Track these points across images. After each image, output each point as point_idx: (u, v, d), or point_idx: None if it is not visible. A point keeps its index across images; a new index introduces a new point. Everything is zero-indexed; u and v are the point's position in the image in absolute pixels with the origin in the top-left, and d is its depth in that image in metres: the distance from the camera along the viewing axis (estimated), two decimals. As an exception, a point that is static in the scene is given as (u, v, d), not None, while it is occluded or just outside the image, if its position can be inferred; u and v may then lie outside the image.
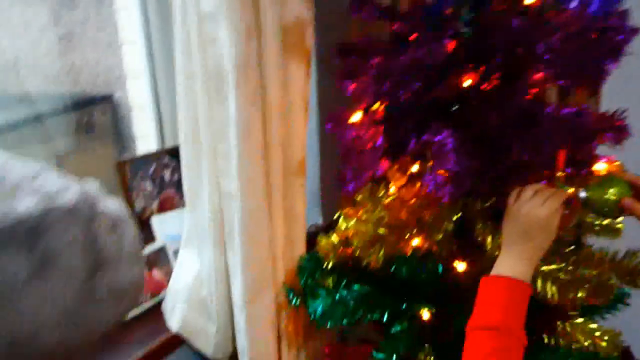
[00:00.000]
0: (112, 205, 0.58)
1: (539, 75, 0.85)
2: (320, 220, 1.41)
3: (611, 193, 0.79)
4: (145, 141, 1.26)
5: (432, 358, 1.03)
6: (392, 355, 0.98)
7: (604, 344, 0.88)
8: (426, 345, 1.04)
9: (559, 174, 0.86)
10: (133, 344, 1.02)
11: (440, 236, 0.94)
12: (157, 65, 1.20)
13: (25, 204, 0.49)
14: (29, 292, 0.47)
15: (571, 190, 0.83)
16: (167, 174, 1.14)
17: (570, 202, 0.82)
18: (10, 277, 0.46)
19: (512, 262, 0.79)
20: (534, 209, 0.78)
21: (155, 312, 1.11)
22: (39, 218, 0.49)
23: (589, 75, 0.78)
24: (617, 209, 0.79)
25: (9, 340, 0.45)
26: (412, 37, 0.88)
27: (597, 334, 0.89)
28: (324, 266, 1.02)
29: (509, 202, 0.83)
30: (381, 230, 0.94)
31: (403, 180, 1.02)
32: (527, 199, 0.80)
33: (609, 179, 0.81)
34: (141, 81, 1.18)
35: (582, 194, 0.82)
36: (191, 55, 0.93)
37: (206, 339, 1.10)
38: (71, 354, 0.52)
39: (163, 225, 1.12)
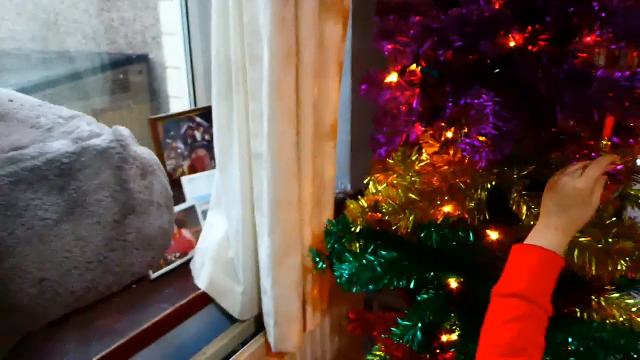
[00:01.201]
0: (144, 152, 0.58)
1: (590, 38, 0.80)
2: (348, 187, 1.40)
3: None
4: (179, 101, 1.27)
5: (457, 327, 1.02)
6: (418, 323, 0.97)
7: (640, 319, 0.85)
8: (452, 314, 1.03)
9: (604, 142, 0.82)
10: (163, 300, 1.05)
11: (472, 204, 0.92)
12: (193, 24, 1.19)
13: (59, 145, 0.50)
14: (60, 233, 0.48)
15: (614, 158, 0.79)
16: (198, 135, 1.14)
17: (613, 172, 0.78)
18: (42, 217, 0.47)
19: (546, 233, 0.77)
20: (572, 180, 0.76)
21: (185, 271, 1.13)
22: (71, 159, 0.50)
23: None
24: None
25: (40, 277, 0.47)
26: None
27: (634, 309, 0.86)
28: (352, 231, 1.01)
29: (554, 175, 0.80)
30: (412, 196, 0.92)
31: (436, 147, 1.00)
32: (570, 172, 0.77)
33: None
34: (176, 40, 1.18)
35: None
36: (228, 13, 0.91)
37: (233, 299, 1.12)
38: (100, 299, 0.54)
39: (193, 185, 1.14)
